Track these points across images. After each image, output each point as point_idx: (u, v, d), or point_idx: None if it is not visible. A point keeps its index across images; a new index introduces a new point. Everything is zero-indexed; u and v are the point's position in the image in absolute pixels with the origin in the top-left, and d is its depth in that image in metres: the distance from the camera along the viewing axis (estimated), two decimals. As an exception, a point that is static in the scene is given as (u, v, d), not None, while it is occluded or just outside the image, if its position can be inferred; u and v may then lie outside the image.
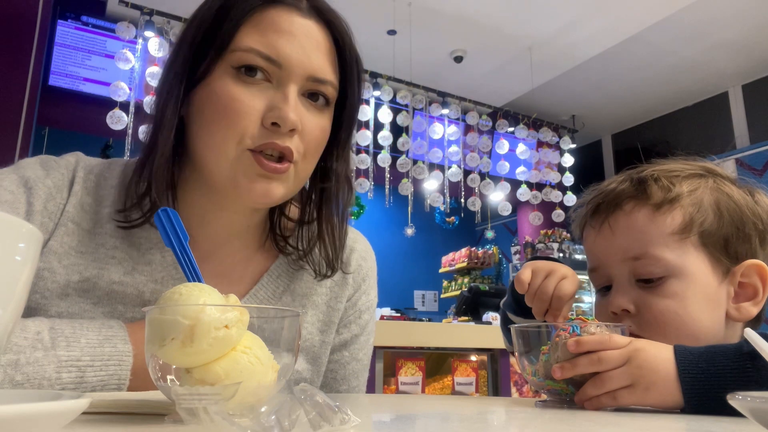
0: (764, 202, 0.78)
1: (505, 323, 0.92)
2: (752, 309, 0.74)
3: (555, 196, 7.06)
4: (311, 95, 0.72)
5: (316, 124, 0.72)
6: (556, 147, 7.46)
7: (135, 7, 5.26)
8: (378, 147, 5.80)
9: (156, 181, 0.71)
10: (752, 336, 0.45)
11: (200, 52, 0.70)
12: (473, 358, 2.76)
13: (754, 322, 0.77)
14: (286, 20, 0.70)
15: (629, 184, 0.79)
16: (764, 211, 0.77)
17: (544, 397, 0.70)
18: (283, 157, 0.70)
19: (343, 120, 0.79)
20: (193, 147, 0.72)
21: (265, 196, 0.70)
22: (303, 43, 0.70)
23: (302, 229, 0.83)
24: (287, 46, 0.69)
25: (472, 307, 4.80)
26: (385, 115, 5.80)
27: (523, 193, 6.90)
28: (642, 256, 0.74)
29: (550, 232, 7.40)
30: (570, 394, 0.65)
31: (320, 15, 0.74)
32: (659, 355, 0.60)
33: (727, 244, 0.74)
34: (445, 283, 7.40)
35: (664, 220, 0.74)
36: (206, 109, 0.69)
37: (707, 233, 0.74)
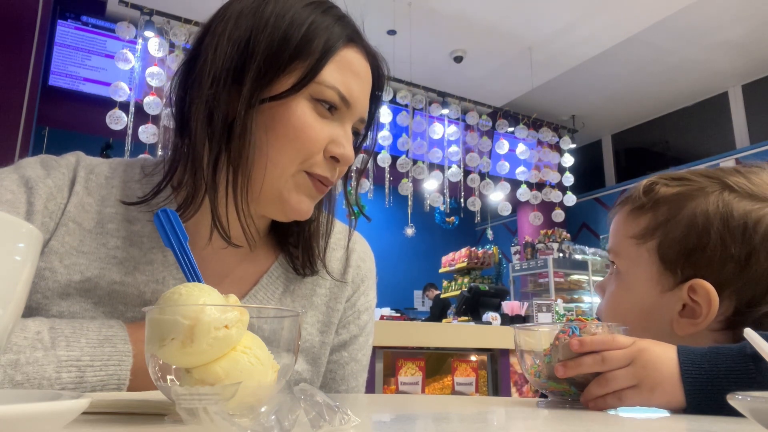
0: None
1: None
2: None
3: (555, 196, 7.05)
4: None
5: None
6: (556, 147, 7.45)
7: (135, 7, 5.26)
8: (378, 147, 5.79)
9: (201, 182, 0.70)
10: (753, 336, 0.45)
11: (277, 67, 0.70)
12: (473, 358, 2.76)
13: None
14: (357, 63, 0.76)
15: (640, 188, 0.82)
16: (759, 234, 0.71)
17: (545, 396, 0.70)
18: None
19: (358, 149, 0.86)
20: (248, 157, 0.70)
21: (306, 212, 0.76)
22: (364, 88, 0.77)
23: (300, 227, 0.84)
24: (357, 89, 0.75)
25: (472, 307, 4.80)
26: (385, 115, 5.80)
27: (523, 193, 6.90)
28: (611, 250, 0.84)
29: (549, 232, 7.39)
30: (572, 394, 0.65)
31: (374, 61, 0.80)
32: (663, 355, 0.59)
33: (687, 257, 0.73)
34: (445, 283, 7.39)
35: (631, 222, 0.79)
36: (279, 127, 0.70)
37: (666, 244, 0.75)
